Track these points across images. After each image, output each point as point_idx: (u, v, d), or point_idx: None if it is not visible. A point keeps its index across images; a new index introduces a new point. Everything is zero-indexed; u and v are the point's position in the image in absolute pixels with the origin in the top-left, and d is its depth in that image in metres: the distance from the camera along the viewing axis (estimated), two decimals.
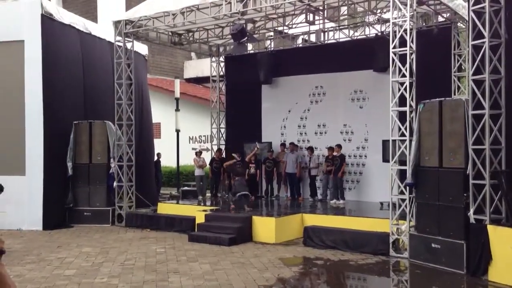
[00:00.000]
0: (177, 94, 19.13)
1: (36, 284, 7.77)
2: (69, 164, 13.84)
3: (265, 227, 11.13)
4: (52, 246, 10.85)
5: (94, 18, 23.69)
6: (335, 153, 13.79)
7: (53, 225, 13.00)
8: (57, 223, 13.15)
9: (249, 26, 13.98)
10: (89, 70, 14.75)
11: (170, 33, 15.53)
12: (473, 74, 8.25)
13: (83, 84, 14.52)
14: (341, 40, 15.09)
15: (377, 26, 14.33)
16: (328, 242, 10.36)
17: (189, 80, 27.38)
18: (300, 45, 16.43)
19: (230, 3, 12.05)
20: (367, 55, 13.64)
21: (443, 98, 8.98)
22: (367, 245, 9.86)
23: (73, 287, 7.59)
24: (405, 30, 9.52)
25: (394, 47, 9.68)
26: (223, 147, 17.12)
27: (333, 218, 11.38)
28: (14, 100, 13.39)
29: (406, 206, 9.42)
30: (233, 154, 14.28)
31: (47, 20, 13.37)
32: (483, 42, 8.11)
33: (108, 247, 10.61)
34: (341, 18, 15.05)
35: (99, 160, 14.16)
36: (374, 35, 14.13)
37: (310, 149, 14.67)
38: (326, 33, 15.10)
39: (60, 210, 13.50)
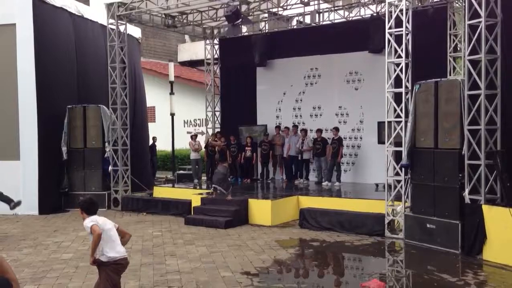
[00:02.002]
0: (171, 78, 19.01)
1: (33, 268, 7.78)
2: (64, 149, 13.76)
3: (261, 209, 11.16)
4: (48, 230, 10.85)
5: (86, 1, 23.34)
6: (333, 136, 13.80)
7: (49, 210, 12.97)
8: (53, 207, 13.13)
9: (244, 7, 13.80)
10: (82, 54, 14.59)
11: (163, 16, 15.36)
12: (469, 54, 8.22)
13: (76, 68, 14.38)
14: (336, 21, 14.98)
15: (373, 7, 14.22)
16: (324, 223, 10.41)
17: (183, 63, 27.20)
18: (295, 27, 16.32)
19: None
20: (363, 36, 13.55)
21: (438, 79, 8.95)
22: (362, 226, 9.93)
23: (70, 271, 7.60)
24: (401, 10, 9.44)
25: (390, 28, 9.61)
26: (218, 130, 17.07)
27: (328, 200, 11.42)
28: (7, 85, 13.26)
29: (401, 187, 9.46)
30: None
31: (38, 3, 13.16)
32: (479, 22, 8.07)
33: None
34: None
35: (94, 145, 14.09)
36: (370, 15, 14.02)
37: (304, 131, 14.66)
38: (321, 14, 14.98)
39: (55, 195, 13.47)
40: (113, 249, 5.07)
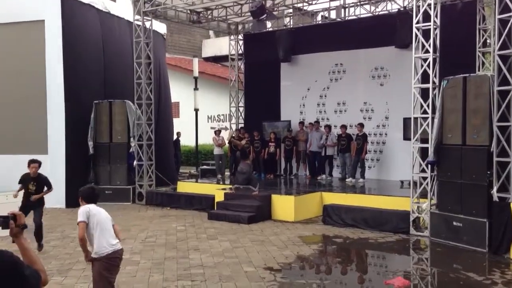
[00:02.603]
0: (196, 73, 19.07)
1: (60, 260, 7.94)
2: (90, 143, 13.99)
3: (284, 205, 11.14)
4: (75, 223, 10.83)
5: None
6: (357, 132, 13.67)
7: (76, 203, 13.11)
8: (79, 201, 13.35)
9: (268, 3, 13.79)
10: (109, 50, 14.78)
11: (188, 11, 15.44)
12: (499, 49, 8.03)
13: (103, 64, 14.57)
14: (362, 16, 14.78)
15: (400, 1, 13.99)
16: (347, 220, 10.34)
17: (207, 59, 27.28)
18: (320, 22, 16.16)
19: None
20: (389, 31, 13.36)
21: (467, 74, 8.77)
22: (387, 223, 9.82)
23: None
24: (429, 5, 9.27)
25: (418, 22, 9.45)
26: (241, 126, 17.11)
27: (352, 197, 11.33)
28: (36, 80, 13.53)
29: (427, 184, 9.31)
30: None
31: (66, 0, 13.38)
32: (510, 16, 7.87)
33: (130, 225, 10.76)
34: None
35: (119, 139, 14.28)
36: (397, 10, 13.81)
37: (328, 127, 14.56)
38: (346, 9, 14.80)
39: None
40: (104, 242, 4.89)
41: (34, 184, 8.64)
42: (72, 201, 13.19)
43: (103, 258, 4.88)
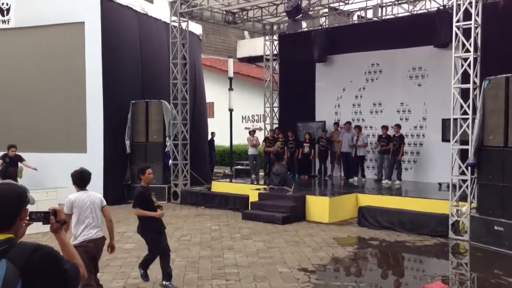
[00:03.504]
0: (231, 74, 19.19)
1: None
2: (127, 142, 14.26)
3: (319, 206, 11.06)
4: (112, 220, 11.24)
5: None
6: (394, 133, 13.44)
7: (113, 201, 13.43)
8: (116, 199, 13.60)
9: (304, 3, 13.70)
10: (146, 50, 15.03)
11: (224, 12, 15.53)
12: None
13: (140, 64, 14.83)
14: (399, 15, 14.54)
15: (439, 0, 13.68)
16: (383, 222, 10.17)
17: (242, 60, 27.38)
18: (356, 22, 15.98)
19: None
20: (428, 30, 13.08)
21: (510, 74, 8.48)
22: (425, 227, 9.60)
23: (132, 260, 7.85)
24: (469, 3, 9.03)
25: (458, 21, 9.21)
26: (276, 126, 17.09)
27: (388, 199, 11.14)
28: (76, 81, 13.88)
29: (467, 187, 9.06)
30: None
31: (106, 2, 13.70)
32: None
33: (165, 223, 10.86)
34: None
35: (155, 139, 14.48)
36: (436, 9, 13.51)
37: (358, 128, 14.36)
38: (383, 8, 14.58)
39: (119, 187, 13.96)
40: (84, 231, 5.16)
41: None
42: (109, 199, 13.46)
43: (79, 245, 5.04)
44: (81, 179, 5.30)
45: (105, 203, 5.57)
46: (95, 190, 14.04)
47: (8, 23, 14.57)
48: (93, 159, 13.54)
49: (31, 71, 14.37)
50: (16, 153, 12.21)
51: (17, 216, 2.18)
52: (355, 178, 14.31)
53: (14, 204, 2.18)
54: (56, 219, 2.46)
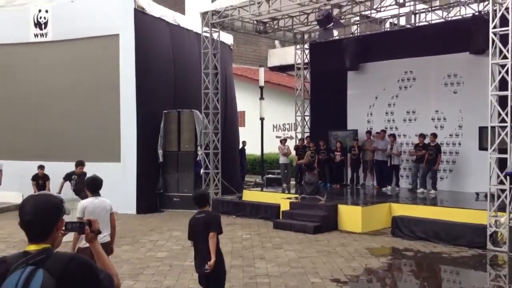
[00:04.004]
0: (262, 83, 19.24)
1: (131, 264, 8.20)
2: (160, 152, 14.44)
3: (351, 216, 10.91)
4: (145, 229, 11.40)
5: (182, 10, 24.44)
6: (430, 142, 13.14)
7: (146, 210, 13.64)
8: (149, 207, 13.79)
9: (335, 11, 13.64)
10: (178, 61, 15.24)
11: (255, 22, 15.61)
12: None
13: (173, 74, 15.04)
14: (433, 21, 14.29)
15: (474, 6, 13.40)
16: (418, 233, 9.94)
17: (273, 69, 27.45)
18: (388, 29, 15.80)
19: None
20: (463, 36, 12.80)
21: None
22: (461, 237, 9.34)
23: (165, 269, 7.91)
24: (506, 9, 8.82)
25: (494, 27, 8.99)
26: (307, 135, 17.00)
27: (423, 208, 10.89)
28: (111, 92, 14.18)
29: (506, 197, 8.77)
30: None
31: (139, 14, 13.98)
32: None
33: None
34: None
35: (187, 148, 14.63)
36: (471, 15, 13.23)
37: (392, 136, 14.13)
38: (417, 15, 14.37)
39: (151, 195, 14.13)
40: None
41: None
42: (142, 208, 13.67)
43: (85, 248, 5.16)
44: (93, 185, 5.62)
45: (113, 210, 5.77)
46: (129, 199, 14.39)
47: (46, 36, 15.03)
48: (126, 168, 13.78)
49: (68, 82, 14.76)
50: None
51: (54, 227, 2.22)
52: (389, 187, 14.07)
53: (51, 214, 2.22)
54: (91, 229, 2.49)
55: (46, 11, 14.93)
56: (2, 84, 15.49)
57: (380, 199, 12.27)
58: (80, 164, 11.65)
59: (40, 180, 13.28)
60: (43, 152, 14.52)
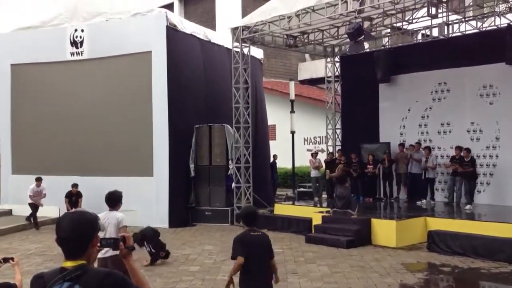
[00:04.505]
0: (292, 96, 19.23)
1: (165, 278, 8.25)
2: (192, 166, 14.57)
3: (385, 230, 10.71)
4: (177, 243, 11.46)
5: (212, 26, 24.76)
6: (464, 157, 12.79)
7: (178, 223, 13.74)
8: (181, 221, 13.89)
9: (366, 24, 13.57)
10: (209, 76, 15.42)
11: (285, 36, 15.66)
12: None
13: (204, 89, 15.21)
14: (467, 32, 14.04)
15: (509, 16, 13.10)
16: (455, 248, 9.67)
17: (303, 82, 27.43)
18: (420, 41, 15.59)
19: (346, 2, 11.82)
20: (498, 47, 12.53)
21: None
22: (500, 252, 9.04)
23: (197, 283, 7.92)
24: None
25: None
26: (338, 148, 16.86)
27: (460, 223, 10.59)
28: (143, 107, 14.44)
29: None
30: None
31: (171, 31, 14.25)
32: None
33: (228, 246, 10.83)
34: (467, 9, 14.00)
35: (218, 162, 14.71)
36: (506, 25, 12.94)
37: (427, 149, 13.84)
38: (450, 26, 14.14)
39: (183, 209, 14.24)
40: None
41: None
42: (174, 222, 13.78)
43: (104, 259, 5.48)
44: (107, 200, 5.87)
45: (122, 224, 5.84)
46: (161, 212, 14.52)
47: (81, 55, 15.47)
48: (159, 182, 13.95)
49: (102, 99, 15.11)
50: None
51: (90, 243, 2.25)
52: (424, 201, 13.76)
53: (86, 231, 2.26)
54: (125, 245, 2.52)
55: (82, 30, 15.39)
56: (41, 101, 15.98)
57: (415, 213, 12.01)
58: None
59: (73, 197, 13.68)
60: (78, 167, 14.87)
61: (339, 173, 14.04)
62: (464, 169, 12.57)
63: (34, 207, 13.74)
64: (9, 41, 16.61)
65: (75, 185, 13.82)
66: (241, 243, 4.74)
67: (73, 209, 13.31)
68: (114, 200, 5.87)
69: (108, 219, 5.74)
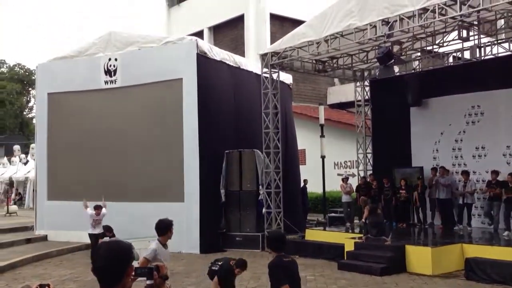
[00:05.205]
0: (322, 120, 19.19)
1: None
2: (222, 191, 14.60)
3: (420, 257, 10.43)
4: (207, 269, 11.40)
5: (241, 53, 25.11)
6: (508, 182, 12.38)
7: (209, 249, 13.70)
8: (212, 247, 13.84)
9: (395, 48, 13.52)
10: (239, 102, 15.57)
11: (314, 61, 15.74)
12: None
13: (234, 115, 15.34)
14: (500, 54, 13.80)
15: None
16: (494, 276, 9.34)
17: (332, 106, 27.39)
18: (452, 63, 15.40)
19: (375, 27, 11.83)
20: None
21: None
22: None
23: None
24: None
25: None
26: (370, 173, 16.65)
27: (500, 250, 10.26)
28: (175, 133, 14.64)
29: None
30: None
31: (201, 58, 14.51)
32: None
33: (260, 272, 10.81)
34: (499, 31, 13.80)
35: (249, 187, 14.70)
36: None
37: (465, 174, 13.51)
38: (482, 49, 13.94)
39: (214, 235, 14.21)
40: None
41: None
42: (205, 247, 13.76)
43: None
44: (158, 228, 5.85)
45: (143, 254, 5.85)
46: (192, 238, 14.52)
47: (115, 83, 15.89)
48: (190, 207, 14.02)
49: (134, 125, 15.42)
50: None
51: (125, 272, 2.27)
52: (460, 227, 13.37)
53: (122, 260, 2.28)
54: (159, 275, 2.53)
55: (115, 59, 15.83)
56: (76, 128, 16.41)
57: (451, 239, 11.69)
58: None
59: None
60: (111, 192, 15.07)
61: (367, 214, 13.48)
62: (508, 195, 12.17)
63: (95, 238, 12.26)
64: (46, 71, 17.25)
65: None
66: (283, 271, 4.63)
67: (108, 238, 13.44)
68: (158, 229, 5.83)
69: (150, 249, 5.73)
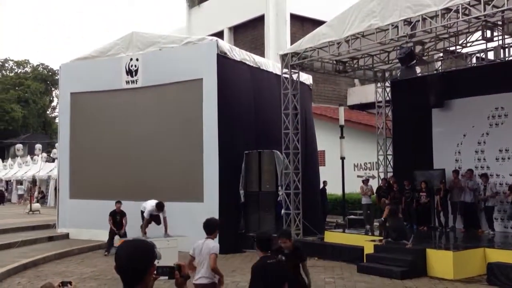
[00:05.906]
0: (342, 122, 19.06)
1: None
2: (241, 192, 14.60)
3: (441, 261, 10.28)
4: (227, 270, 11.40)
5: (262, 53, 25.12)
6: None
7: (227, 250, 13.68)
8: (230, 247, 13.83)
9: (418, 48, 13.35)
10: (259, 102, 15.55)
11: (334, 62, 15.64)
12: None
13: (254, 115, 15.33)
14: None
15: None
16: None
17: (352, 107, 27.21)
18: (475, 64, 15.15)
19: (396, 27, 11.70)
20: None
21: None
22: None
23: None
24: None
25: None
26: (390, 175, 16.48)
27: None
28: (194, 133, 14.70)
29: None
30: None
31: (222, 59, 14.53)
32: None
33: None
34: None
35: (268, 188, 14.68)
36: None
37: (485, 176, 13.26)
38: (506, 50, 13.69)
39: (233, 236, 14.20)
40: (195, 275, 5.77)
41: None
42: (224, 248, 13.72)
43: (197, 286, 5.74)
44: (206, 227, 5.94)
45: (213, 251, 5.84)
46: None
47: (136, 83, 16.04)
48: (209, 208, 14.01)
49: (154, 125, 15.54)
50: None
51: (147, 271, 2.29)
52: (489, 231, 13.12)
53: (144, 260, 2.29)
54: (180, 274, 2.54)
55: (137, 60, 15.98)
56: (97, 128, 16.63)
57: (473, 244, 11.49)
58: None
59: (118, 215, 13.87)
60: (132, 192, 15.22)
61: (387, 213, 13.45)
62: None
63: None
64: (69, 71, 17.51)
65: (119, 202, 13.94)
66: (258, 274, 4.84)
67: (119, 231, 13.59)
68: (206, 227, 5.89)
69: (202, 246, 5.80)
